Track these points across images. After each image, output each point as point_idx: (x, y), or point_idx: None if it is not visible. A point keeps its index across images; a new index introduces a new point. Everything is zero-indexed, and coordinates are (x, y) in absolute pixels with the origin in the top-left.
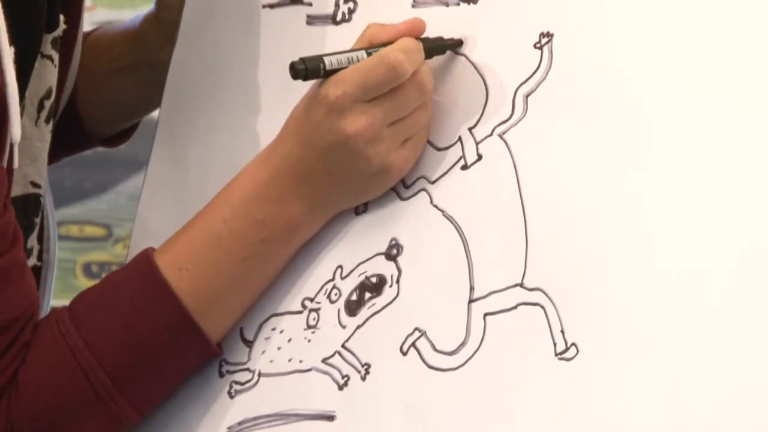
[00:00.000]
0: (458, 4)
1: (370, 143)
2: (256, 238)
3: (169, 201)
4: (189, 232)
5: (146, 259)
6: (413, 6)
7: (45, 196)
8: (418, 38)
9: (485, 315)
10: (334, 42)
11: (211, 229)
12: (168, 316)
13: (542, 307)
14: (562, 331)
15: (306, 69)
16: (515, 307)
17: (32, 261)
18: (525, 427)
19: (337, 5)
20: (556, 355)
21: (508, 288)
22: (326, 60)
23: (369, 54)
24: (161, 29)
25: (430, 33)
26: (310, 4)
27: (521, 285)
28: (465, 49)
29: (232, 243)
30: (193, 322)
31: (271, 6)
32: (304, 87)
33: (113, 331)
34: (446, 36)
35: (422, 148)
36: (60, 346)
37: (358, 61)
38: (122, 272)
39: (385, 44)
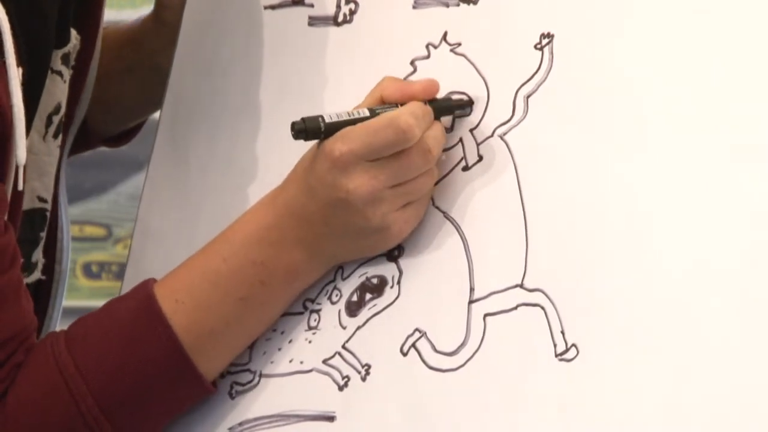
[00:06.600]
0: (458, 5)
1: (369, 203)
2: (255, 279)
3: (170, 201)
4: (189, 267)
5: (145, 288)
6: (414, 7)
7: (59, 208)
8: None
9: (485, 316)
10: (336, 43)
11: (211, 266)
12: (160, 346)
13: (542, 308)
14: (563, 332)
15: (305, 129)
16: (515, 308)
17: (36, 275)
18: (525, 427)
19: (338, 6)
20: (556, 355)
21: (508, 289)
22: (326, 117)
23: (371, 110)
24: (161, 30)
25: (431, 34)
26: (312, 6)
27: (521, 286)
28: (466, 50)
29: (230, 281)
30: (184, 354)
31: (273, 7)
32: (305, 90)
33: (106, 357)
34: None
35: (425, 210)
36: (51, 369)
37: (358, 116)
38: (121, 300)
39: (393, 104)
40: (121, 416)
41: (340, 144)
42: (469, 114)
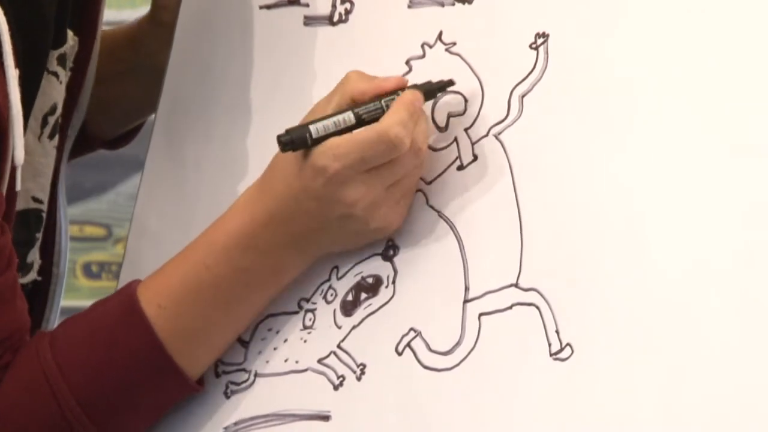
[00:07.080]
0: (453, 4)
1: (369, 209)
2: (240, 284)
3: (165, 201)
4: (171, 273)
5: (129, 292)
6: (409, 6)
7: (58, 210)
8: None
9: (480, 315)
10: (331, 42)
11: (193, 273)
12: (144, 351)
13: (537, 308)
14: (557, 332)
15: (292, 141)
16: (510, 307)
17: (32, 276)
18: (520, 427)
19: (333, 6)
20: (550, 355)
21: (503, 288)
22: (312, 129)
23: (356, 115)
24: (158, 31)
25: (426, 33)
26: (307, 5)
27: (516, 285)
28: (461, 50)
29: (214, 289)
30: (169, 358)
31: (268, 7)
32: (301, 89)
33: (87, 357)
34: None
35: (413, 195)
36: (34, 368)
37: (345, 124)
38: (105, 301)
39: (372, 99)
40: (104, 415)
41: (332, 161)
42: (445, 90)
